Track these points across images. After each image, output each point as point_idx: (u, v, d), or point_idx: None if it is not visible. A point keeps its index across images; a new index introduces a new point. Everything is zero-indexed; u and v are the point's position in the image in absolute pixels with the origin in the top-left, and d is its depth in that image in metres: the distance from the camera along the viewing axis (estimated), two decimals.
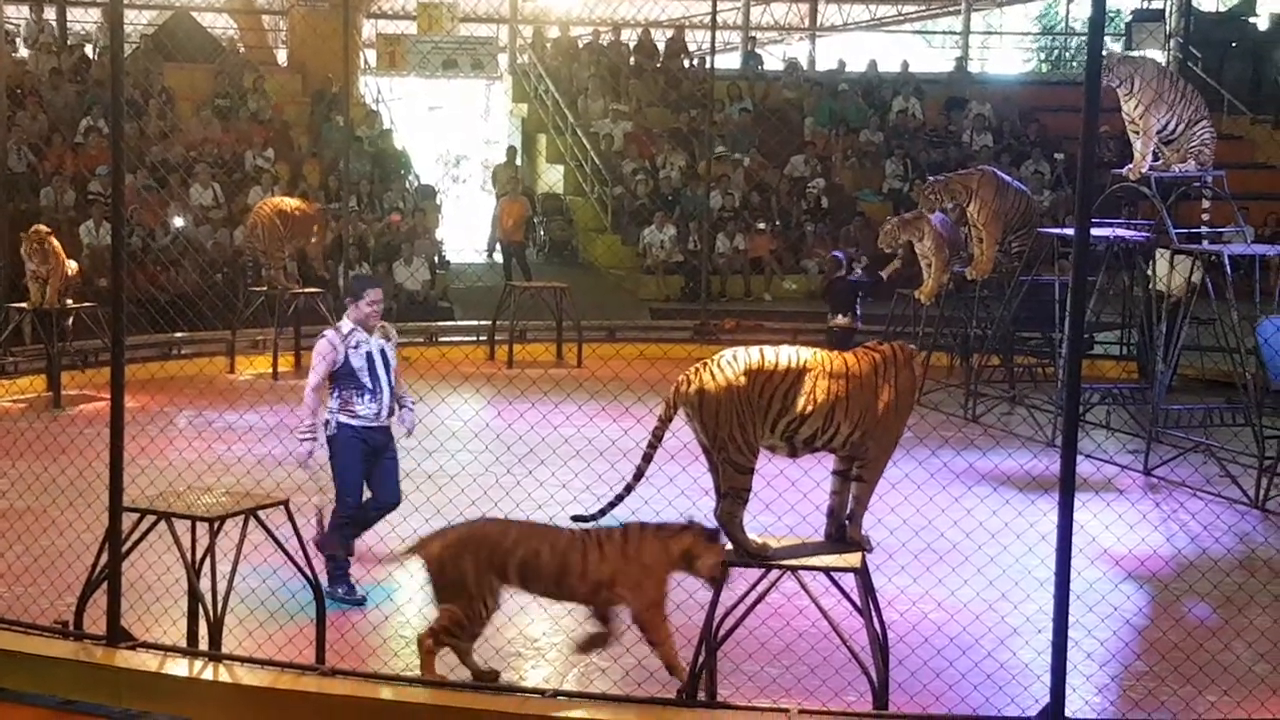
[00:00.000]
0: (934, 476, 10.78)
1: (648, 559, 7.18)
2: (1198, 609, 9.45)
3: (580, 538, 7.30)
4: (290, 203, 18.86)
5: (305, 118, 25.43)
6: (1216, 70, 26.40)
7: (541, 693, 7.39)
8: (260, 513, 7.97)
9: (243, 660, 7.68)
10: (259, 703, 7.37)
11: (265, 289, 18.20)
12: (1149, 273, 14.60)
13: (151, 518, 7.87)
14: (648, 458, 7.45)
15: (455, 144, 33.01)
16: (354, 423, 9.51)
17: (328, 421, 9.53)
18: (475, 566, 7.28)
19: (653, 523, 7.34)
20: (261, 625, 8.28)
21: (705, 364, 7.36)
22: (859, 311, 16.88)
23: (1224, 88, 25.21)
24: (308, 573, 7.90)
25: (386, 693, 7.39)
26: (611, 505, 7.50)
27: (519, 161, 26.60)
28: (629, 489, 7.43)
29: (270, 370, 17.86)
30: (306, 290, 18.28)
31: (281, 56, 28.80)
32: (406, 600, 9.54)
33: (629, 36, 29.38)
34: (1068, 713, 6.91)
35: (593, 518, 7.49)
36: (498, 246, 23.39)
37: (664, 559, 7.20)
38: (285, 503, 8.16)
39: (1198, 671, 7.99)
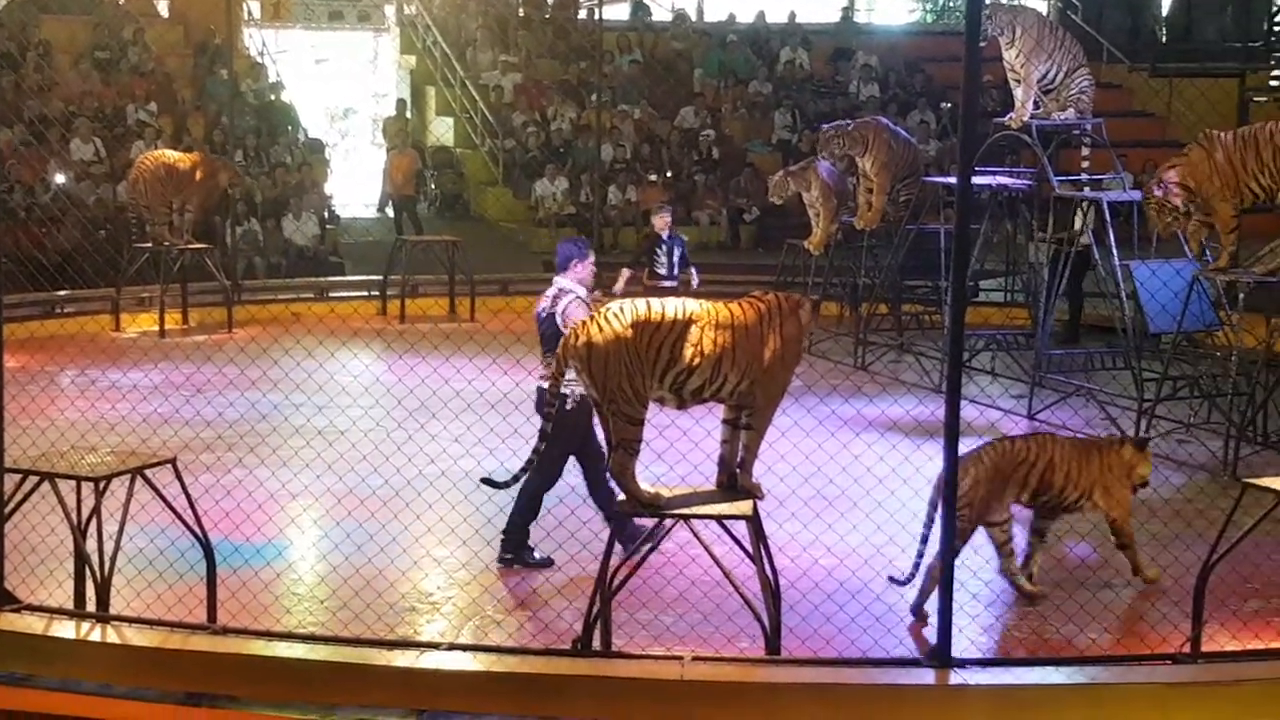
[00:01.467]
0: (823, 423, 10.88)
1: (1116, 469, 8.71)
2: (1078, 548, 9.65)
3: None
4: (174, 156, 18.55)
5: (188, 70, 24.98)
6: (1095, 19, 26.66)
7: (437, 646, 7.40)
8: (147, 472, 7.89)
9: (131, 621, 7.62)
10: (149, 663, 7.32)
11: (150, 245, 17.92)
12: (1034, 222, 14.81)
13: (35, 479, 7.76)
14: (548, 416, 7.47)
15: (343, 97, 32.58)
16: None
17: (568, 396, 8.77)
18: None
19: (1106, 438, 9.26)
20: (150, 585, 8.22)
21: (593, 317, 7.39)
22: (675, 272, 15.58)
23: (1103, 36, 25.47)
24: (197, 531, 7.84)
25: (280, 650, 7.36)
26: (523, 471, 7.49)
27: (408, 114, 26.36)
28: (537, 452, 7.44)
29: (157, 328, 17.61)
30: (193, 246, 18.02)
31: (163, 7, 28.21)
32: (298, 558, 9.52)
33: None
34: (954, 653, 7.05)
35: (505, 485, 7.51)
36: (389, 201, 23.17)
37: (1122, 468, 8.74)
38: (173, 461, 8.08)
39: (1079, 609, 8.18)
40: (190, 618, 7.70)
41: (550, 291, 9.44)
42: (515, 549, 9.27)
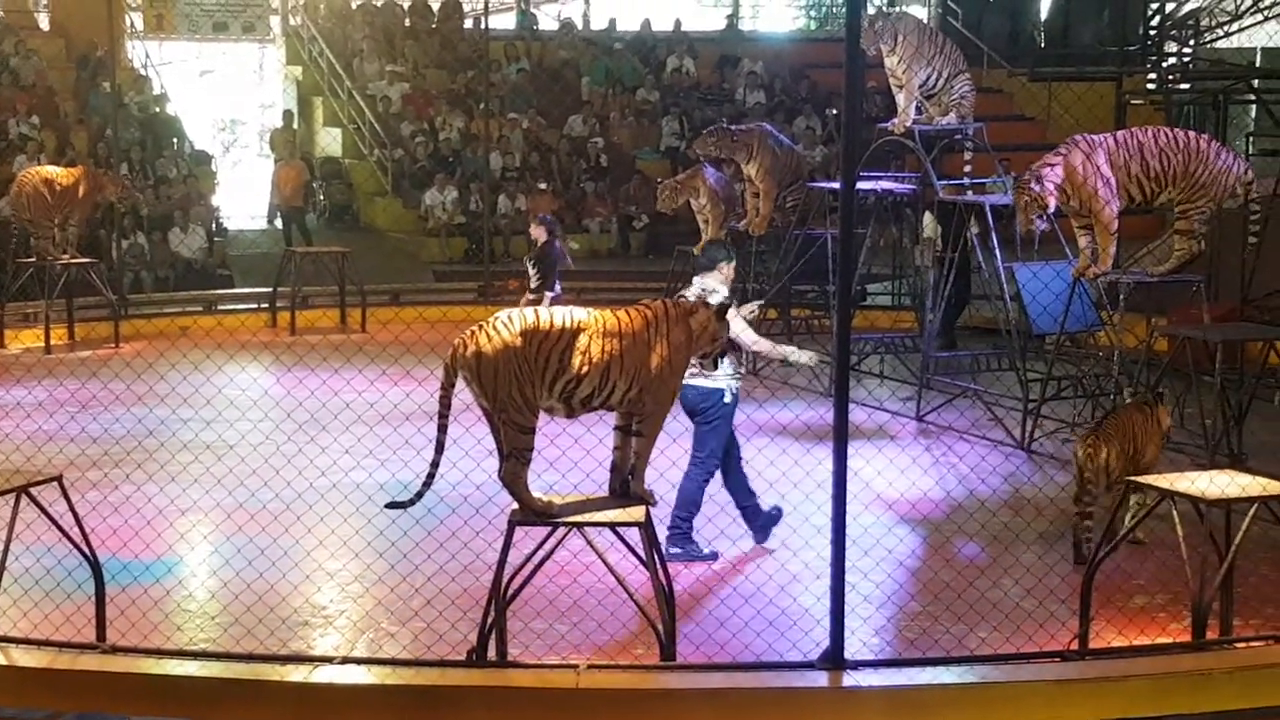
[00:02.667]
0: None
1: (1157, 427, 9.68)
2: (968, 548, 9.80)
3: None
4: (57, 171, 18.25)
5: (71, 83, 24.62)
6: (975, 25, 27.07)
7: (330, 660, 7.36)
8: (32, 490, 7.76)
9: (18, 641, 7.49)
10: (37, 684, 7.21)
11: (34, 260, 17.62)
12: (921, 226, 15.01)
13: None
14: (442, 428, 7.43)
15: (230, 109, 32.28)
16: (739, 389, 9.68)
17: (721, 391, 9.50)
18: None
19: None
20: (37, 605, 8.08)
21: (481, 326, 7.38)
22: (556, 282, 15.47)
23: (982, 42, 25.88)
24: (84, 549, 7.73)
25: (171, 668, 7.28)
26: (425, 487, 7.45)
27: (295, 125, 26.16)
28: (435, 464, 7.41)
29: (42, 344, 17.32)
30: (77, 261, 17.74)
31: (43, 20, 27.78)
32: (188, 574, 9.41)
33: None
34: (847, 655, 7.13)
35: (409, 503, 7.47)
36: (277, 212, 23.00)
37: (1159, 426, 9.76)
38: (58, 478, 7.96)
39: (969, 609, 8.30)
40: (79, 637, 7.59)
41: (693, 290, 9.67)
42: (681, 542, 9.55)
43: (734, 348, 9.30)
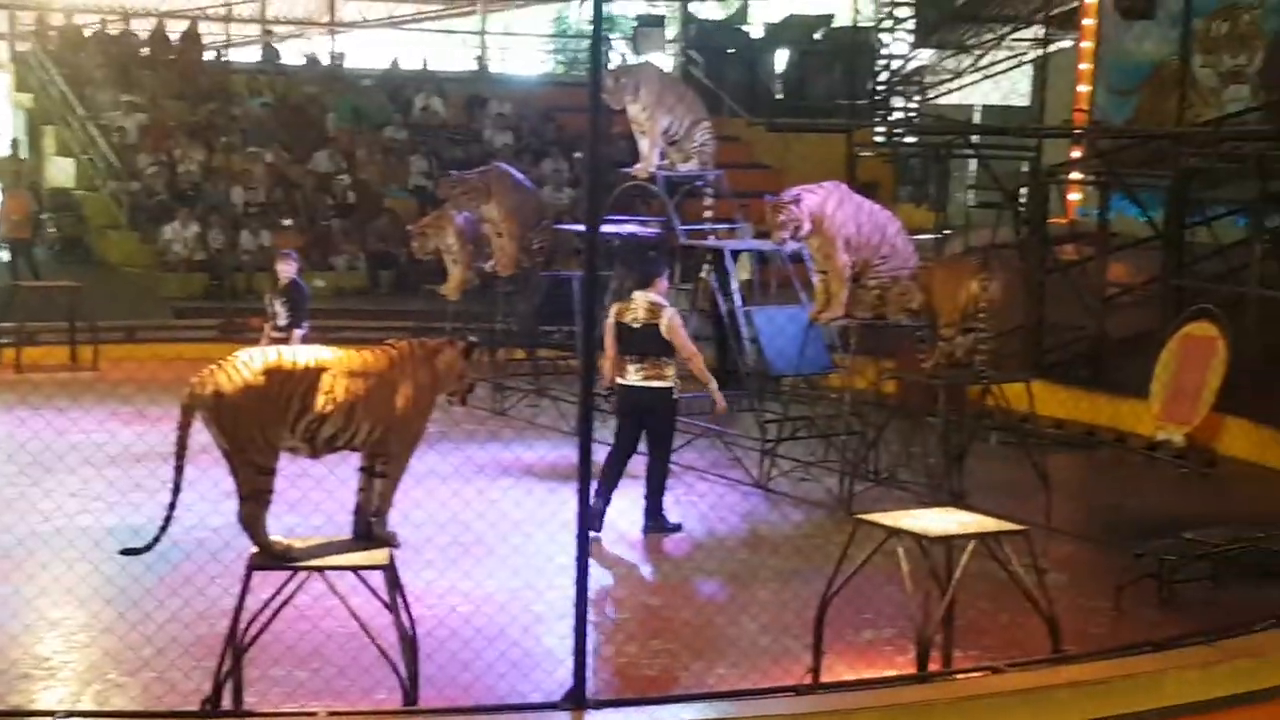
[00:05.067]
0: (459, 470, 11.00)
1: None
2: (708, 586, 9.99)
3: None
4: None
5: None
6: (716, 75, 27.73)
7: (53, 714, 7.07)
8: None
9: None
10: None
11: None
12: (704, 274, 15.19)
13: None
14: (179, 469, 7.26)
15: None
16: None
17: (671, 389, 11.20)
18: None
19: None
20: None
21: (221, 364, 7.25)
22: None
23: (723, 91, 26.51)
24: None
25: None
26: (162, 531, 7.26)
27: (23, 155, 25.27)
28: (172, 506, 7.23)
29: None
30: None
31: None
32: None
33: (140, 26, 28.34)
34: (589, 694, 7.19)
35: (145, 549, 7.26)
36: (3, 245, 22.20)
37: None
38: None
39: (708, 646, 8.48)
40: None
41: (638, 303, 11.18)
42: (656, 516, 11.26)
43: (673, 352, 11.09)
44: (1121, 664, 7.51)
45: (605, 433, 14.00)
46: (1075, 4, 23.40)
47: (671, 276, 15.30)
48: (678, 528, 11.39)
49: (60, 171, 25.86)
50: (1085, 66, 22.36)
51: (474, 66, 30.26)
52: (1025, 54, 29.19)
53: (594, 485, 10.92)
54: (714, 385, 11.56)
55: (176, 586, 8.54)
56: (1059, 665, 7.61)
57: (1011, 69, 30.02)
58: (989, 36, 29.05)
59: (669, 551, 10.96)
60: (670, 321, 11.18)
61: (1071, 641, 8.22)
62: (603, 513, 11.19)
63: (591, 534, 10.57)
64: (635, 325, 11.22)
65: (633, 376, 11.26)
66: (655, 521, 11.34)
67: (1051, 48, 23.77)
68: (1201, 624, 8.67)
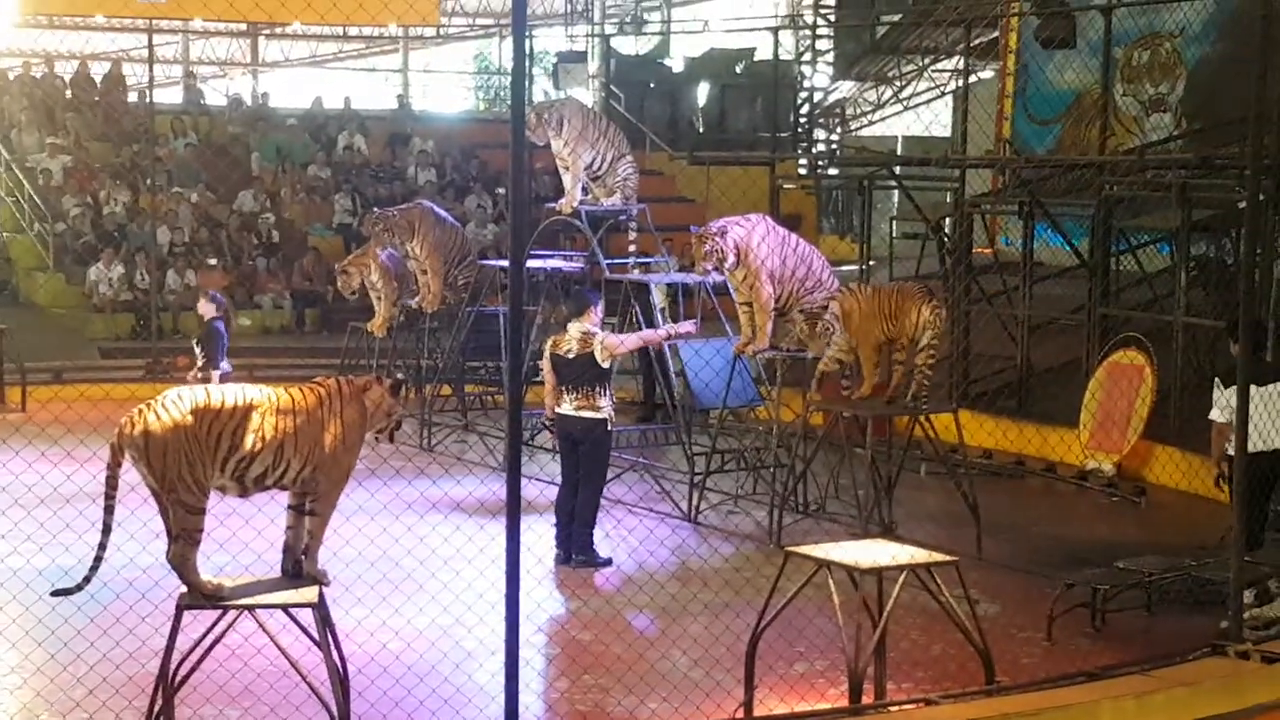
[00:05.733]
0: (387, 507, 10.96)
1: None
2: (638, 620, 10.03)
3: None
4: None
5: None
6: (638, 109, 27.87)
7: None
8: None
9: None
10: None
11: None
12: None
13: None
14: (109, 509, 7.25)
15: None
16: None
17: (608, 420, 11.43)
18: None
19: None
20: None
21: (150, 404, 7.25)
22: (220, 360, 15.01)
23: (644, 125, 26.67)
24: None
25: None
26: (93, 571, 7.23)
27: None
28: (103, 547, 7.21)
29: None
30: None
31: None
32: None
33: (64, 69, 28.18)
34: None
35: (76, 589, 7.23)
36: None
37: None
38: None
39: (639, 680, 8.52)
40: None
41: (571, 335, 11.40)
42: (586, 550, 11.42)
43: (606, 381, 11.40)
44: (1056, 694, 7.55)
45: (533, 467, 14.15)
46: (995, 35, 23.74)
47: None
48: (608, 562, 11.47)
49: None
50: (1007, 97, 22.69)
51: (396, 104, 30.28)
52: (946, 85, 29.59)
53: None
54: (661, 333, 12.64)
55: (107, 626, 8.48)
56: (993, 696, 7.64)
57: (933, 100, 30.43)
58: (910, 68, 29.40)
59: (599, 586, 11.00)
60: (603, 343, 11.41)
61: (1005, 672, 8.34)
62: (580, 547, 11.45)
63: (560, 564, 11.40)
64: (570, 356, 11.41)
65: (567, 406, 11.43)
66: (585, 555, 11.44)
67: (972, 78, 24.08)
68: (1135, 653, 8.81)
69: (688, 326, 12.52)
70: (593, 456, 11.50)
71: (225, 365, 14.86)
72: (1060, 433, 15.60)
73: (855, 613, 7.90)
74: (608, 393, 11.46)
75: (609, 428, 11.51)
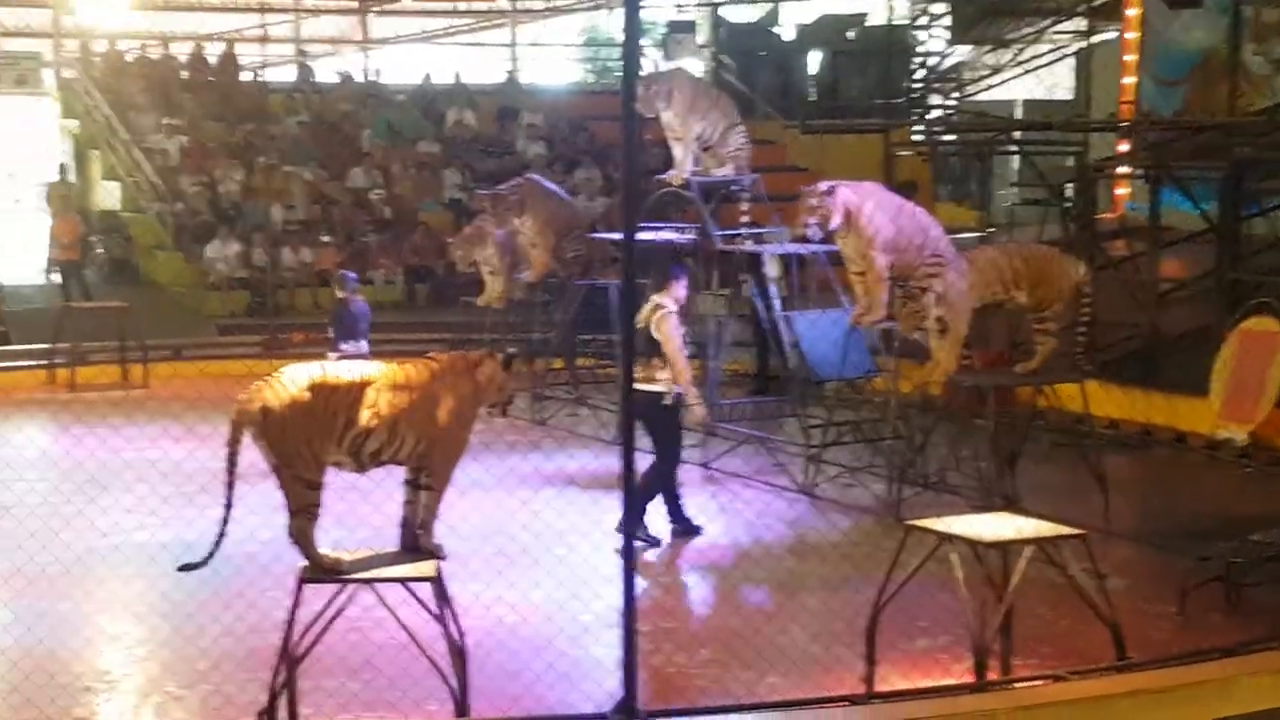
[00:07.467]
0: (502, 481, 10.99)
1: None
2: (755, 595, 9.95)
3: None
4: None
5: None
6: (748, 78, 27.64)
7: None
8: None
9: None
10: None
11: None
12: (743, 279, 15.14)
13: None
14: (229, 485, 7.32)
15: (4, 162, 31.31)
16: None
17: (660, 393, 11.08)
18: None
19: None
20: None
21: (268, 381, 7.28)
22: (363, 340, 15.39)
23: (755, 94, 26.44)
24: None
25: None
26: (216, 546, 7.31)
27: (71, 179, 25.48)
28: (225, 522, 7.28)
29: None
30: None
31: None
32: None
33: (179, 50, 28.57)
34: (640, 704, 7.16)
35: (201, 564, 7.31)
36: (54, 267, 22.42)
37: None
38: None
39: (758, 656, 8.43)
40: None
41: (646, 308, 11.14)
42: (633, 524, 10.62)
43: (662, 354, 11.03)
44: (1189, 671, 7.38)
45: (647, 441, 14.09)
46: None
47: (708, 282, 15.34)
48: (656, 542, 11.15)
49: (107, 195, 26.07)
50: (1130, 58, 22.08)
51: (504, 79, 30.33)
52: (1067, 47, 28.97)
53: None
54: (693, 392, 11.50)
55: (230, 600, 8.59)
56: (1123, 673, 7.49)
57: (1053, 63, 29.83)
58: (1028, 30, 28.85)
59: (715, 560, 10.92)
60: (659, 318, 11.18)
61: (1135, 648, 8.13)
62: (674, 517, 11.32)
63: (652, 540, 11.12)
64: (639, 326, 11.15)
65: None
66: (632, 529, 11.04)
67: (1094, 40, 23.54)
68: (1272, 629, 8.55)
69: (699, 413, 11.81)
70: (653, 431, 11.17)
71: (359, 345, 14.83)
72: (1190, 402, 15.17)
73: (979, 588, 7.77)
74: (666, 365, 11.18)
75: (665, 401, 11.17)
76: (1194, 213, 17.41)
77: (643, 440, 10.67)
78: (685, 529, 11.32)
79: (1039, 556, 7.83)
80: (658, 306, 11.22)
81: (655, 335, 11.13)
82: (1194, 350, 15.86)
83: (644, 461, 12.05)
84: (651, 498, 11.13)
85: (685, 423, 11.67)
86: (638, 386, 10.74)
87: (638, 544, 10.54)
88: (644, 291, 14.07)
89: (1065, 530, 8.15)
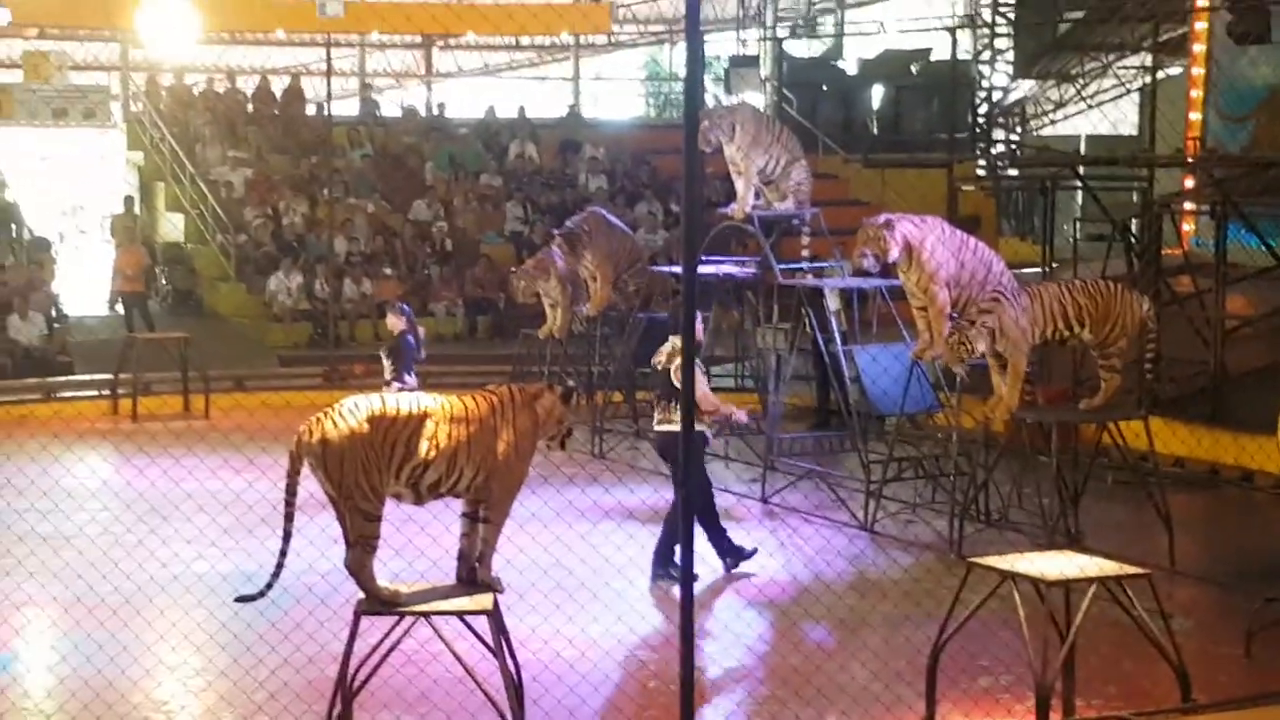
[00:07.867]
0: (560, 514, 10.95)
1: None
2: (815, 632, 9.86)
3: None
4: None
5: None
6: (810, 112, 27.60)
7: None
8: None
9: None
10: None
11: None
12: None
13: None
14: (289, 516, 7.34)
15: (72, 195, 31.74)
16: None
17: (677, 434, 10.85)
18: None
19: None
20: None
21: (327, 413, 7.31)
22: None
23: (818, 129, 26.39)
24: None
25: None
26: (274, 577, 7.33)
27: (136, 211, 25.76)
28: (283, 553, 7.30)
29: None
30: None
31: None
32: (24, 670, 9.12)
33: (245, 83, 28.88)
34: None
35: (259, 595, 7.34)
36: (118, 298, 22.65)
37: None
38: None
39: (817, 693, 8.35)
40: None
41: (665, 348, 10.98)
42: (663, 564, 10.72)
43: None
44: (1255, 714, 7.29)
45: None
46: (1184, 30, 23.03)
47: (769, 316, 15.28)
48: (695, 577, 10.99)
49: (172, 226, 26.31)
50: (1196, 93, 21.93)
51: (567, 112, 30.45)
52: (1132, 82, 28.80)
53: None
54: (722, 411, 11.38)
55: (288, 631, 8.59)
56: (1189, 715, 7.41)
57: (1118, 98, 29.65)
58: (1093, 65, 28.69)
59: (774, 597, 10.83)
60: (676, 365, 10.73)
61: (1202, 690, 8.01)
62: (721, 551, 11.16)
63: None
64: (658, 367, 11.17)
65: (656, 418, 11.24)
66: (661, 568, 10.84)
67: (1160, 75, 23.37)
68: None
69: (740, 415, 11.79)
70: (674, 473, 10.86)
71: (410, 379, 14.81)
72: (1259, 440, 14.90)
73: (1042, 626, 7.67)
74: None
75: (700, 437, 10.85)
76: (1260, 249, 17.20)
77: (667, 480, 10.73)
78: (737, 557, 11.21)
79: (1103, 595, 7.73)
80: (676, 350, 10.94)
81: (674, 379, 10.78)
82: (1261, 388, 15.63)
83: (719, 498, 12.11)
84: (678, 538, 10.91)
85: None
86: (659, 427, 10.99)
87: (677, 577, 10.60)
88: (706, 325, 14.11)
89: (1130, 569, 8.04)
